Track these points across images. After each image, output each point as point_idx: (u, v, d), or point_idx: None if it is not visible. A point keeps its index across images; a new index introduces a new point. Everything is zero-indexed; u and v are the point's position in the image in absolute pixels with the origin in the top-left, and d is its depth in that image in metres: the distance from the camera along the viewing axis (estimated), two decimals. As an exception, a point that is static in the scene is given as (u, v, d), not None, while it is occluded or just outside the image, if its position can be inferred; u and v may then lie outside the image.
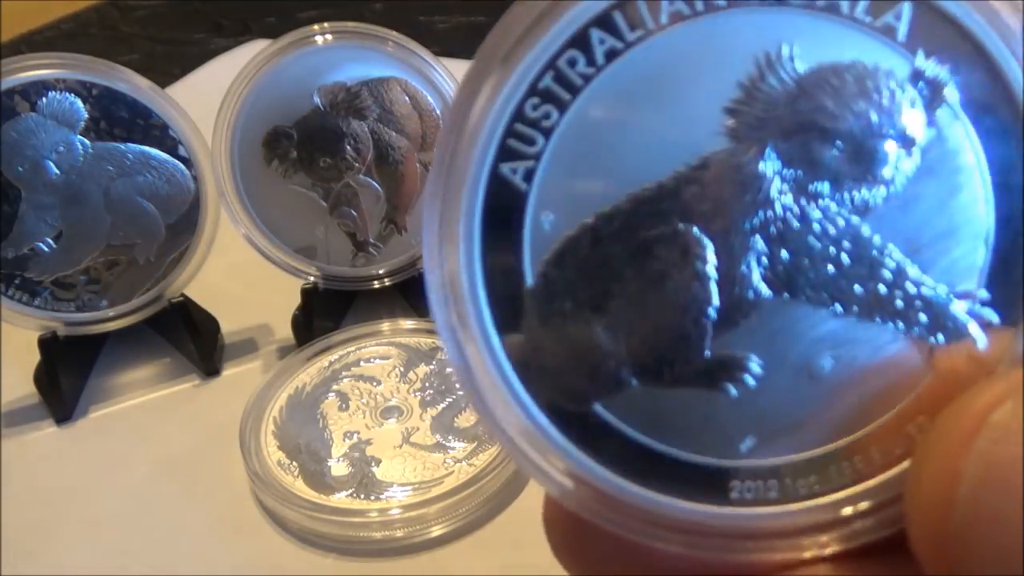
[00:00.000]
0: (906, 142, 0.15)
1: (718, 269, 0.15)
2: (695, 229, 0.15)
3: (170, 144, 0.46)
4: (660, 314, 0.15)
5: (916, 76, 0.15)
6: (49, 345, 0.47)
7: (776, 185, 0.15)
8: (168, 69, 0.81)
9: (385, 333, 0.49)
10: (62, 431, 0.47)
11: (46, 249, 0.45)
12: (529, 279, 0.15)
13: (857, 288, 0.15)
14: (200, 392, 0.49)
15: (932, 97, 0.15)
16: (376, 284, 0.50)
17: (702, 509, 0.16)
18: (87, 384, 0.49)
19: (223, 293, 0.53)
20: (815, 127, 0.15)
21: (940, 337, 0.15)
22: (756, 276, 0.15)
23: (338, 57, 0.47)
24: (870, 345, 0.15)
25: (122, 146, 0.45)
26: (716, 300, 0.15)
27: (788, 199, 0.15)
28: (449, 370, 0.46)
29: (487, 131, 0.15)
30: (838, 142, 0.15)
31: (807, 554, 0.15)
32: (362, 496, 0.40)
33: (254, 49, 0.48)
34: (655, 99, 0.15)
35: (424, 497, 0.39)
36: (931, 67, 0.15)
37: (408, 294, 0.52)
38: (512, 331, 0.16)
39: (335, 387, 0.46)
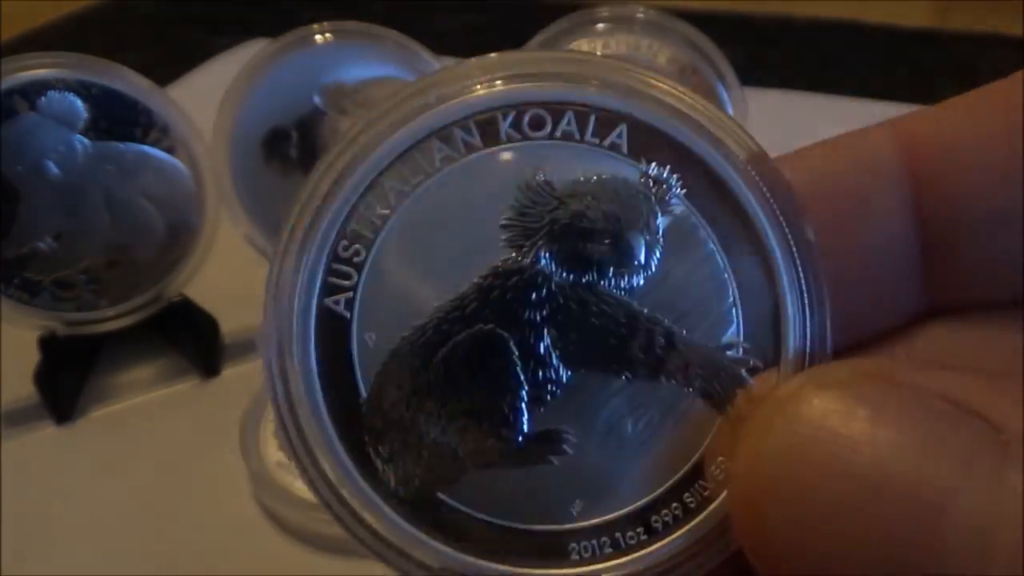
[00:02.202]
0: (649, 231, 0.18)
1: (521, 358, 0.18)
2: (496, 327, 0.18)
3: (170, 144, 0.46)
4: (480, 404, 0.18)
5: (646, 178, 0.18)
6: (49, 345, 0.47)
7: (554, 281, 0.18)
8: (168, 69, 0.81)
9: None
10: (62, 431, 0.47)
11: (45, 249, 0.45)
12: (363, 392, 0.18)
13: (639, 355, 0.18)
14: (200, 392, 0.49)
15: (660, 192, 0.18)
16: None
17: (546, 573, 0.18)
18: (87, 384, 0.49)
19: (223, 293, 0.53)
20: (575, 230, 0.18)
21: (717, 385, 0.18)
22: (554, 359, 0.18)
23: (338, 57, 0.47)
24: (663, 403, 0.18)
25: (122, 146, 0.45)
26: (525, 384, 0.18)
27: (566, 291, 0.18)
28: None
29: (310, 272, 0.18)
30: (596, 239, 0.18)
31: None
32: (362, 496, 0.40)
33: (254, 49, 0.48)
34: (444, 225, 0.18)
35: (424, 497, 0.39)
36: (655, 170, 0.18)
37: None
38: (355, 440, 0.18)
39: (335, 387, 0.46)
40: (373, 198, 0.18)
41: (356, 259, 0.18)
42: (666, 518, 0.18)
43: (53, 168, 0.44)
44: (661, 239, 0.18)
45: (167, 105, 0.46)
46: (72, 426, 0.47)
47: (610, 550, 0.18)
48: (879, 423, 0.14)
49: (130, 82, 0.45)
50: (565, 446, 0.18)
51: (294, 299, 0.18)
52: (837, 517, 0.14)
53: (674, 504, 0.18)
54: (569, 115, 0.18)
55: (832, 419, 0.15)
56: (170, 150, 0.46)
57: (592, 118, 0.18)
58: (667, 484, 0.18)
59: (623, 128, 0.18)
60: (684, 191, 0.18)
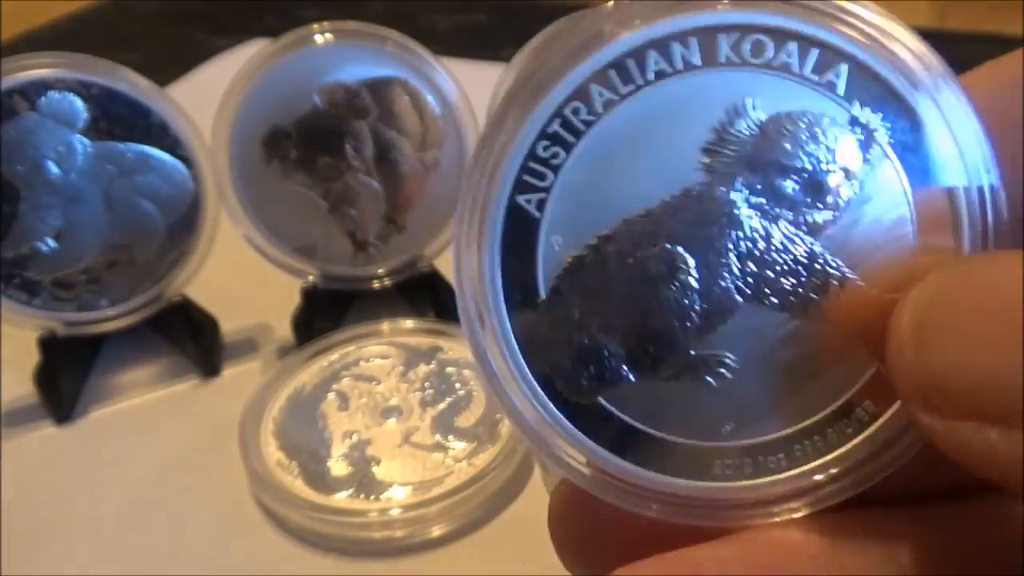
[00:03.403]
0: (848, 175, 0.18)
1: (699, 281, 0.18)
2: (680, 248, 0.18)
3: (170, 144, 0.46)
4: (653, 319, 0.18)
5: (853, 122, 0.18)
6: (49, 345, 0.47)
7: (744, 211, 0.18)
8: (168, 69, 0.81)
9: (385, 333, 0.49)
10: (62, 431, 0.47)
11: (45, 249, 0.45)
12: (543, 293, 0.18)
13: (811, 296, 0.18)
14: (200, 392, 0.49)
15: (866, 139, 0.18)
16: (376, 284, 0.50)
17: (690, 484, 0.19)
18: (87, 384, 0.49)
19: (223, 293, 0.53)
20: (775, 164, 0.18)
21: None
22: (731, 287, 0.18)
23: (338, 57, 0.47)
24: (824, 343, 0.19)
25: (122, 146, 0.45)
26: (699, 307, 0.18)
27: (755, 222, 0.18)
28: (449, 369, 0.46)
29: (506, 168, 0.18)
30: (793, 176, 0.18)
31: (778, 519, 0.18)
32: (362, 496, 0.40)
33: (254, 49, 0.48)
34: (644, 141, 0.18)
35: (424, 497, 0.39)
36: (864, 115, 0.18)
37: (408, 294, 0.52)
38: (529, 338, 0.18)
39: (335, 387, 0.46)
40: (580, 102, 0.18)
41: (554, 161, 0.18)
42: (807, 448, 0.19)
43: (53, 168, 0.44)
44: (858, 186, 0.18)
45: (167, 105, 0.46)
46: (72, 426, 0.47)
47: (750, 470, 0.19)
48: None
49: (130, 82, 0.45)
50: (725, 371, 0.19)
51: (490, 191, 0.18)
52: (989, 339, 0.15)
53: (816, 437, 0.19)
54: (792, 46, 0.18)
55: (976, 268, 0.16)
56: (169, 150, 0.46)
57: (814, 53, 0.18)
58: (813, 418, 0.19)
59: (843, 68, 0.18)
60: (891, 140, 0.18)
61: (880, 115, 0.18)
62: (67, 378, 0.48)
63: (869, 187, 0.18)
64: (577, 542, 0.21)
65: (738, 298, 0.18)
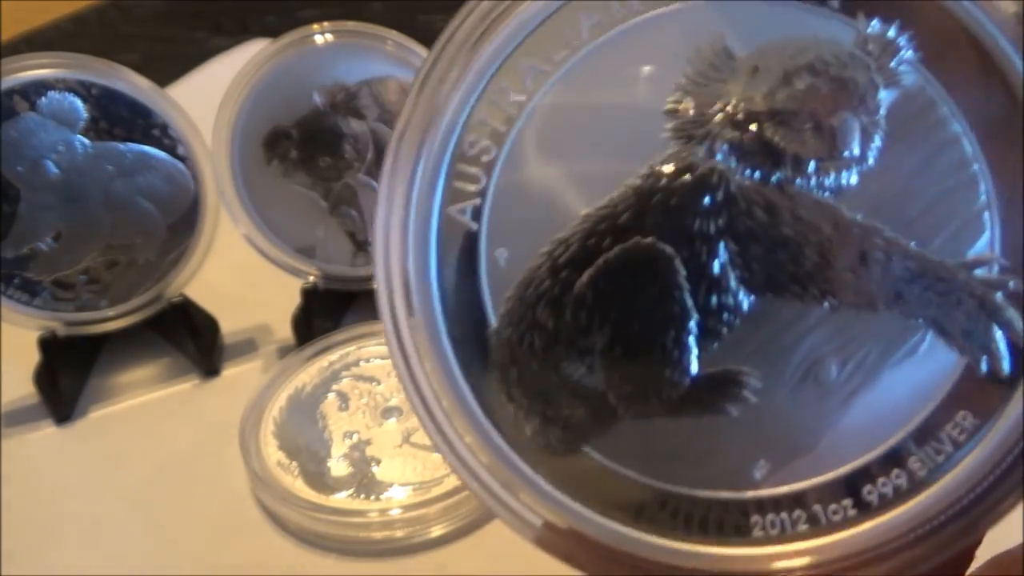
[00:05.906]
0: (866, 110, 0.13)
1: (690, 279, 0.14)
2: (657, 241, 0.14)
3: (170, 144, 0.46)
4: (636, 337, 0.14)
5: (862, 40, 0.13)
6: (49, 345, 0.47)
7: (734, 181, 0.14)
8: (168, 69, 0.81)
9: (385, 333, 0.49)
10: (62, 431, 0.47)
11: (45, 249, 0.45)
12: (492, 319, 0.15)
13: (847, 276, 0.13)
14: (200, 392, 0.49)
15: (883, 58, 0.13)
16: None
17: (719, 552, 0.14)
18: (87, 384, 0.49)
19: (223, 293, 0.53)
20: (764, 114, 0.13)
21: (960, 316, 0.13)
22: (732, 280, 0.14)
23: (338, 57, 0.47)
24: (880, 339, 0.13)
25: (122, 146, 0.45)
26: (694, 313, 0.14)
27: (751, 193, 0.14)
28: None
29: (430, 175, 0.14)
30: (792, 124, 0.13)
31: None
32: (362, 496, 0.40)
33: (254, 49, 0.48)
34: (594, 115, 0.14)
35: (424, 497, 0.39)
36: (875, 27, 0.13)
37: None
38: (481, 377, 0.15)
39: (335, 387, 0.46)
40: (506, 82, 0.14)
41: (484, 158, 0.14)
42: (884, 489, 0.14)
43: (53, 168, 0.44)
44: (883, 121, 0.13)
45: (167, 105, 0.46)
46: (72, 426, 0.47)
47: (805, 527, 0.13)
48: None
49: (130, 82, 0.45)
50: (745, 391, 0.14)
51: (410, 208, 0.14)
52: None
53: (895, 472, 0.13)
54: None
55: None
56: (170, 150, 0.46)
57: None
58: (886, 445, 0.14)
59: None
60: (919, 54, 0.13)
61: (898, 23, 0.13)
62: (67, 378, 0.48)
63: (902, 121, 0.13)
64: None
65: (744, 294, 0.14)
